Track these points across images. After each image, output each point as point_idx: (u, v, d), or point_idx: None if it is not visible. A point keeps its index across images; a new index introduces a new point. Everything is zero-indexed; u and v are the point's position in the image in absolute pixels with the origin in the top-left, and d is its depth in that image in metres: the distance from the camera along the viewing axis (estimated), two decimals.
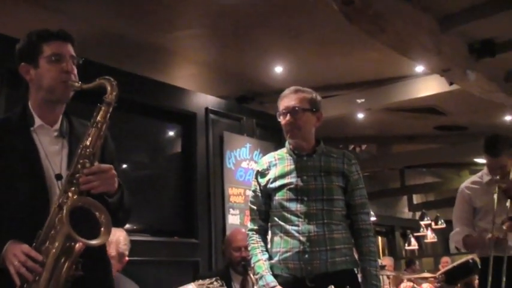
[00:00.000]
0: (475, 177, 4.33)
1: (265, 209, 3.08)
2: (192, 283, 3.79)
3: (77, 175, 2.12)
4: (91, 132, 2.19)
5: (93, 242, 2.05)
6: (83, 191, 2.11)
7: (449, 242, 5.17)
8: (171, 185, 6.03)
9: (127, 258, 3.69)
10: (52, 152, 2.27)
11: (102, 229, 2.08)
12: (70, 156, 2.25)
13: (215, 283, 3.77)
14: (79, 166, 2.13)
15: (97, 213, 2.09)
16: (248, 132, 6.70)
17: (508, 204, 3.93)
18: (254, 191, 3.12)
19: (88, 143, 2.17)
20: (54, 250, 2.03)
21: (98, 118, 2.20)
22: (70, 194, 2.09)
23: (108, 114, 2.22)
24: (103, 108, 2.21)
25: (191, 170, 5.99)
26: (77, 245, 2.04)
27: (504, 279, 3.78)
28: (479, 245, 4.11)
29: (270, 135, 6.82)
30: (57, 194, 2.15)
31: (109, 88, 2.23)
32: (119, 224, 2.87)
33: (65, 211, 2.01)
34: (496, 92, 6.80)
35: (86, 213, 2.08)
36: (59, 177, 2.19)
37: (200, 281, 3.80)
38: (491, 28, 5.73)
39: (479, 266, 4.40)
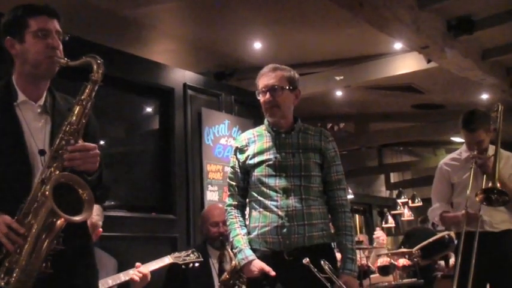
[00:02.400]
0: (453, 154, 4.37)
1: (243, 185, 3.13)
2: (169, 255, 3.79)
3: (61, 151, 2.14)
4: (76, 109, 2.20)
5: (76, 218, 2.07)
6: (66, 168, 2.13)
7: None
8: (149, 161, 6.00)
9: (101, 230, 3.66)
10: (35, 127, 2.28)
11: (85, 206, 2.10)
12: (53, 132, 2.25)
13: (191, 255, 3.77)
14: (63, 142, 2.15)
15: (80, 190, 2.11)
16: (226, 109, 6.67)
17: (484, 180, 3.97)
18: (233, 167, 3.17)
19: (73, 120, 2.18)
20: (36, 224, 2.05)
21: (84, 96, 2.22)
22: (53, 170, 2.11)
23: (94, 93, 2.24)
24: (89, 86, 2.24)
25: (169, 146, 5.96)
26: (59, 220, 2.06)
27: (475, 253, 3.82)
28: (455, 222, 4.17)
29: (248, 111, 6.80)
30: (40, 169, 2.17)
31: (95, 66, 2.25)
32: (97, 202, 2.87)
33: (48, 186, 2.03)
34: (473, 69, 6.85)
35: (69, 189, 2.10)
36: (42, 152, 2.21)
37: (177, 253, 3.81)
38: (468, 5, 5.75)
39: (455, 242, 4.46)
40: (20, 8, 2.31)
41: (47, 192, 2.02)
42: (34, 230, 2.04)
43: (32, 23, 2.27)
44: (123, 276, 3.53)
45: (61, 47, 2.32)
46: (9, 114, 2.25)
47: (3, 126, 2.23)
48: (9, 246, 2.03)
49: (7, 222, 2.05)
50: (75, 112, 2.20)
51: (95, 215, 3.57)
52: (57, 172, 2.11)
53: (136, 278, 3.54)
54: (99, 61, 2.25)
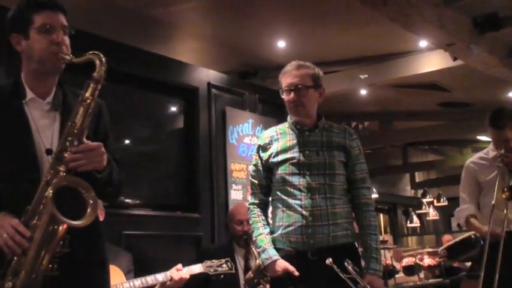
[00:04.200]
0: (481, 153, 4.34)
1: (266, 183, 3.10)
2: (200, 264, 3.78)
3: (65, 153, 2.10)
4: (79, 110, 2.15)
5: (78, 222, 2.04)
6: (71, 169, 2.09)
7: (452, 220, 5.20)
8: (174, 160, 6.02)
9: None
10: (43, 125, 2.24)
11: (89, 210, 2.08)
12: (62, 129, 2.21)
13: (224, 265, 3.77)
14: (67, 143, 2.11)
15: (84, 192, 2.09)
16: (250, 108, 6.68)
17: (510, 178, 3.93)
18: (255, 165, 3.14)
19: (76, 121, 2.14)
20: (41, 227, 2.03)
21: (86, 95, 2.16)
22: (58, 171, 2.08)
23: (97, 91, 2.18)
24: (91, 85, 2.17)
25: (193, 145, 5.98)
26: (62, 226, 2.04)
27: (501, 254, 3.78)
28: (478, 232, 4.14)
29: (272, 110, 6.79)
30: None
31: (98, 64, 2.18)
32: (109, 199, 2.87)
33: (50, 190, 2.01)
34: (499, 67, 6.75)
35: (73, 191, 2.08)
36: (49, 152, 2.18)
37: (209, 262, 3.80)
38: (495, 2, 5.67)
39: (481, 242, 4.42)
40: (24, 2, 2.26)
41: (49, 198, 1.99)
42: (39, 233, 2.02)
43: (36, 19, 2.21)
44: (150, 280, 3.56)
45: (67, 41, 2.26)
46: (17, 113, 2.22)
47: (11, 125, 2.20)
48: (15, 249, 2.01)
49: (13, 225, 2.03)
50: (79, 113, 2.14)
51: None
52: (62, 173, 2.08)
53: (176, 277, 3.57)
54: (102, 58, 2.18)
